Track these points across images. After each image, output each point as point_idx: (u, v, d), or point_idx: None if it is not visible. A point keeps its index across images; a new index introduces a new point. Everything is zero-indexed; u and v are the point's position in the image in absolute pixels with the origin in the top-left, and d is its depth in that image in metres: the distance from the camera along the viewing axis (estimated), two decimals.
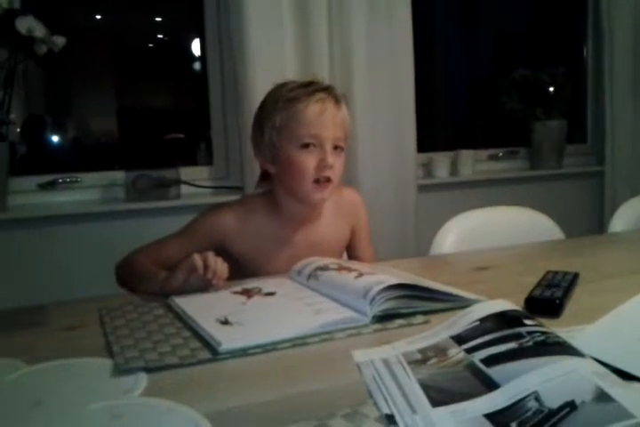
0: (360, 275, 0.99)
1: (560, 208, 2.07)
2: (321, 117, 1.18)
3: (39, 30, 1.74)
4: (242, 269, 1.23)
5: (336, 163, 1.20)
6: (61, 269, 1.92)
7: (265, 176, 1.32)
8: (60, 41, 1.80)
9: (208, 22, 2.20)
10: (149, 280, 1.10)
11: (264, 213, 1.28)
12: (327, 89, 1.22)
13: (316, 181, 1.20)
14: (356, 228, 1.39)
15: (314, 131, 1.18)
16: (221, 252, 1.21)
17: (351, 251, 1.41)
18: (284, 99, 1.20)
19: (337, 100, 1.23)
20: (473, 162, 2.61)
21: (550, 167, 2.74)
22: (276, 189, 1.28)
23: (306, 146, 1.19)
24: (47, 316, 1.02)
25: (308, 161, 1.19)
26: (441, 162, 2.53)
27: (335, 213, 1.33)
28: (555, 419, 0.52)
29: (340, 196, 1.34)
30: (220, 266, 1.05)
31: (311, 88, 1.21)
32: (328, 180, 1.21)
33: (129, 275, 1.17)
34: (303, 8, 2.05)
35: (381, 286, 0.89)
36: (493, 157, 2.80)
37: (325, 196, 1.23)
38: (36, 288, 1.83)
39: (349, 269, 1.03)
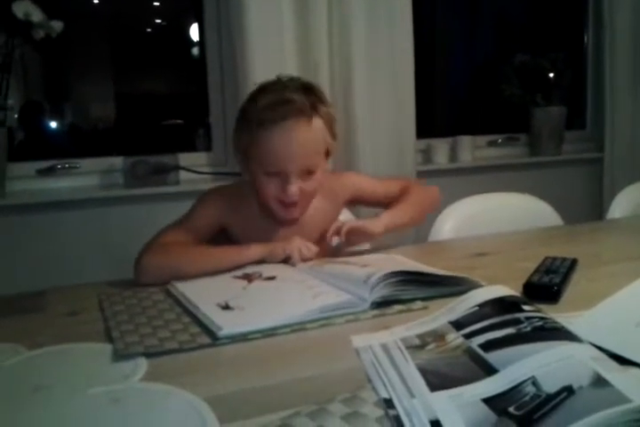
0: (365, 266, 1.00)
1: (559, 194, 2.07)
2: (286, 149, 1.13)
3: (36, 15, 1.73)
4: None
5: (306, 186, 1.18)
6: (60, 254, 1.92)
7: None
8: (57, 26, 1.78)
9: (207, 7, 2.18)
10: (215, 256, 1.12)
11: (255, 197, 1.26)
12: (300, 112, 1.13)
13: (282, 203, 1.19)
14: (356, 194, 1.36)
15: (277, 163, 1.14)
16: (224, 233, 1.25)
17: (380, 203, 1.36)
18: (254, 119, 1.14)
19: (307, 115, 1.14)
20: (472, 148, 2.60)
21: (549, 154, 2.73)
22: None
23: (269, 173, 1.16)
24: (47, 301, 1.02)
25: (269, 188, 1.17)
26: (440, 148, 2.52)
27: (322, 196, 1.30)
28: (552, 403, 0.52)
29: (328, 182, 1.31)
30: (309, 254, 1.13)
31: (282, 111, 1.12)
32: (292, 203, 1.19)
33: (167, 263, 1.11)
34: None
35: (382, 273, 0.90)
36: (493, 144, 2.79)
37: (293, 215, 1.22)
38: (35, 274, 1.83)
39: (356, 264, 1.05)
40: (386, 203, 1.33)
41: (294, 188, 1.16)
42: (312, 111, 1.15)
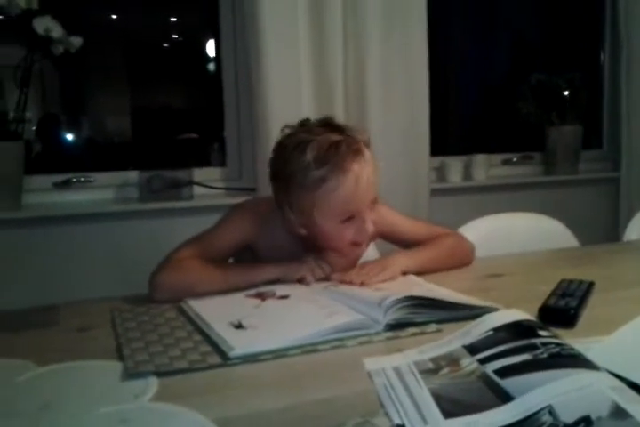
0: (379, 289, 0.99)
1: (574, 214, 2.05)
2: (357, 190, 1.09)
3: (56, 31, 1.75)
4: None
5: (374, 214, 1.15)
6: (75, 268, 1.92)
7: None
8: (76, 41, 1.81)
9: (223, 23, 2.20)
10: (230, 273, 1.13)
11: (280, 223, 1.21)
12: (356, 148, 1.10)
13: (355, 243, 1.16)
14: (387, 229, 1.30)
15: (352, 207, 1.10)
16: (249, 249, 1.23)
17: (406, 244, 1.32)
18: (311, 179, 1.08)
19: (363, 156, 1.11)
20: (487, 166, 2.59)
21: (565, 173, 2.71)
22: None
23: (344, 220, 1.12)
24: (59, 316, 1.02)
25: (347, 234, 1.13)
26: (454, 166, 2.51)
27: None
28: None
29: None
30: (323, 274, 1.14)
31: (340, 154, 1.07)
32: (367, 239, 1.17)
33: (182, 280, 1.10)
34: (318, 9, 2.04)
35: (397, 297, 0.89)
36: (507, 162, 2.77)
37: (362, 252, 1.21)
38: (48, 287, 1.84)
39: (371, 287, 1.04)
40: (411, 244, 1.30)
41: (371, 225, 1.13)
42: (358, 143, 1.12)
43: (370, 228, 1.12)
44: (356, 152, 1.10)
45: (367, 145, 1.14)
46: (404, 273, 1.16)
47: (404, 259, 1.20)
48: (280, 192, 1.16)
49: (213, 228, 1.22)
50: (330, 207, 1.10)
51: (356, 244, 1.16)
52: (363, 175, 1.09)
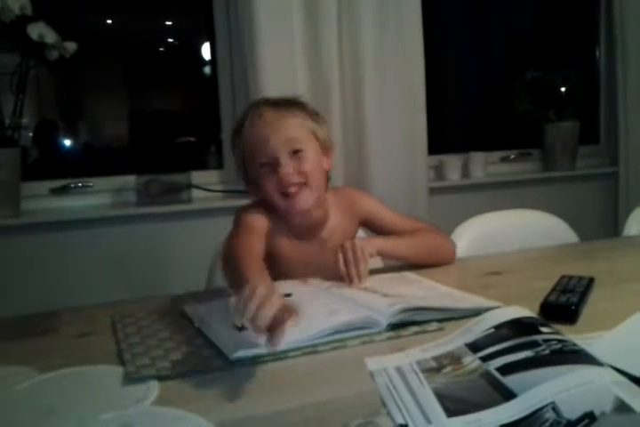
0: (385, 296, 0.99)
1: (573, 210, 2.05)
2: (264, 131, 1.16)
3: (50, 36, 1.75)
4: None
5: (300, 166, 1.16)
6: (73, 273, 1.92)
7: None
8: (70, 47, 1.81)
9: (218, 26, 2.20)
10: (233, 278, 1.08)
11: (274, 216, 1.23)
12: (271, 105, 1.20)
13: (285, 194, 1.17)
14: (369, 216, 1.34)
15: (264, 149, 1.16)
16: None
17: (389, 234, 1.33)
18: (233, 133, 1.23)
19: (282, 109, 1.19)
20: (485, 164, 2.59)
21: (563, 169, 2.71)
22: None
23: (262, 165, 1.16)
24: (59, 322, 1.02)
25: (269, 180, 1.16)
26: (452, 164, 2.51)
27: (341, 212, 1.30)
28: None
29: (335, 195, 1.31)
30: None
31: (257, 104, 1.21)
32: (302, 184, 1.17)
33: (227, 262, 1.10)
34: (313, 11, 2.04)
35: (402, 306, 0.89)
36: (505, 159, 2.77)
37: (301, 203, 1.18)
38: (47, 293, 1.84)
39: (375, 293, 1.03)
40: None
41: (286, 168, 1.15)
42: (286, 105, 1.20)
43: (286, 171, 1.15)
44: (277, 107, 1.19)
45: (306, 112, 1.22)
46: (380, 255, 1.20)
47: (381, 241, 1.23)
48: (235, 159, 1.25)
49: (236, 226, 1.21)
50: (249, 153, 1.19)
51: (284, 194, 1.17)
52: (274, 121, 1.17)
